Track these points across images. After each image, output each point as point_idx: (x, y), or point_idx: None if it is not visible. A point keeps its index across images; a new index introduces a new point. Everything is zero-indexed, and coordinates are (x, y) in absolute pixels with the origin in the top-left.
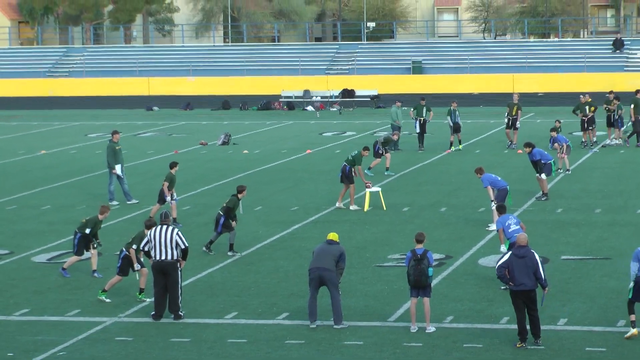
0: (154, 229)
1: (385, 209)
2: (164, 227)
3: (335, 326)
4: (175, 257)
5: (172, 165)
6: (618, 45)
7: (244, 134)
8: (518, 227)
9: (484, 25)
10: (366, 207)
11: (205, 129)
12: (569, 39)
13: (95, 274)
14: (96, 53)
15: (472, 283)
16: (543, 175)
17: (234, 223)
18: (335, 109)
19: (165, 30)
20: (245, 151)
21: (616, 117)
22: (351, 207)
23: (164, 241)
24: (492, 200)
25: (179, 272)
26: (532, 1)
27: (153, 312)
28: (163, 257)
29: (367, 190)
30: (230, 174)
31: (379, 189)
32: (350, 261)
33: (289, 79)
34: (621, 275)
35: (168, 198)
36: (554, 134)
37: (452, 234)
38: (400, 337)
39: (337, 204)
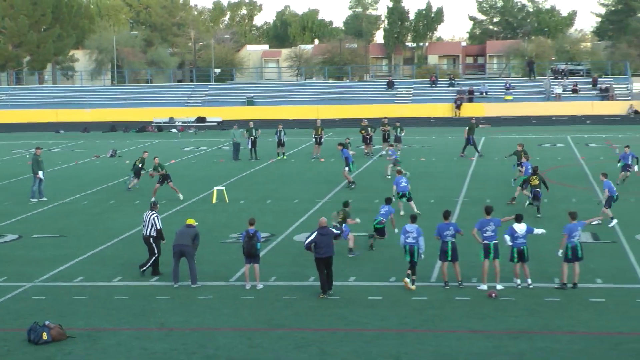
0: (146, 212)
1: (227, 201)
2: (150, 212)
3: (192, 285)
4: (152, 234)
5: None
6: (390, 85)
7: (127, 149)
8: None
9: (297, 70)
10: (214, 200)
11: (98, 146)
12: (356, 81)
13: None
14: (18, 91)
15: (289, 253)
16: (347, 169)
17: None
18: (192, 131)
19: (69, 74)
20: (127, 161)
21: (399, 134)
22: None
23: (148, 221)
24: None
25: (154, 245)
26: (331, 54)
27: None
28: (148, 233)
29: (215, 188)
30: (117, 177)
31: (224, 187)
32: (203, 239)
33: (158, 110)
34: (396, 248)
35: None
36: (524, 159)
37: (275, 219)
38: (238, 292)
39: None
